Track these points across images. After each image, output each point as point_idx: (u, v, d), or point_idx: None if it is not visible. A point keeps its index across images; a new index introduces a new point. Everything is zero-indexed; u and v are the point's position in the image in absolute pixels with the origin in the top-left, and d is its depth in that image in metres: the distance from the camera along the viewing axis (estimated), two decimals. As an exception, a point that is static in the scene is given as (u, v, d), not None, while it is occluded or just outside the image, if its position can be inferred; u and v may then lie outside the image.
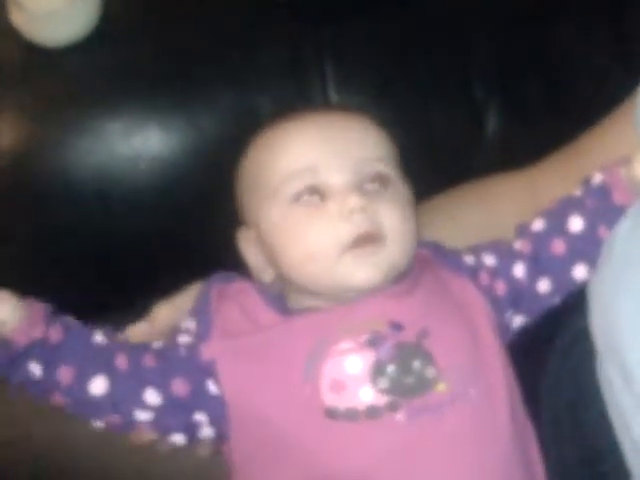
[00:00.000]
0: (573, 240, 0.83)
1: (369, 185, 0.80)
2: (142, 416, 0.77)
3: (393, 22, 1.29)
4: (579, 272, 0.83)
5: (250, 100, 1.23)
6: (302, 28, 1.27)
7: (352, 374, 0.75)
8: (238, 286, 0.82)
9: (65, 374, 0.76)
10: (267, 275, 0.83)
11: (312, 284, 0.80)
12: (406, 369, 0.75)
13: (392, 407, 0.74)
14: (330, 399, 0.74)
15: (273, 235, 0.81)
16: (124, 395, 0.77)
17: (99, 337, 0.78)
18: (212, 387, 0.77)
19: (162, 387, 0.78)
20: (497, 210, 0.96)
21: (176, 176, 1.21)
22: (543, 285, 0.84)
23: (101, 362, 0.78)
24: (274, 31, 1.27)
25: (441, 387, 0.75)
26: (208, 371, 0.77)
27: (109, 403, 0.77)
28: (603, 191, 0.82)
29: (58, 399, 0.77)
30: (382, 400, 0.74)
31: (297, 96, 1.24)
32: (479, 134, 1.28)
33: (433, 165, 1.23)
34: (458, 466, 0.75)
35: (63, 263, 1.21)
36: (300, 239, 0.79)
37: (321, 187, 0.80)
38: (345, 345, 0.76)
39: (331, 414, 0.74)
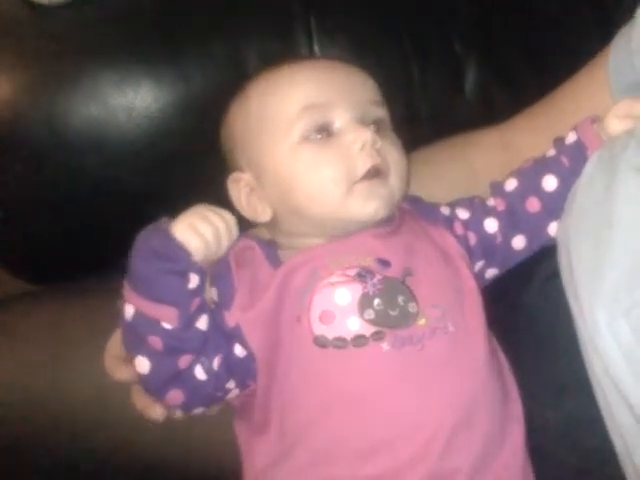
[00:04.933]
0: (548, 198, 0.86)
1: (371, 126, 0.84)
2: (182, 363, 0.80)
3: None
4: (554, 229, 0.87)
5: (238, 53, 1.24)
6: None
7: (341, 305, 0.79)
8: (243, 243, 0.85)
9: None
10: (264, 216, 0.86)
11: (320, 216, 0.82)
12: (391, 303, 0.79)
13: (378, 337, 0.78)
14: (319, 328, 0.78)
15: (283, 171, 0.83)
16: (190, 338, 0.80)
17: None
18: (239, 350, 0.81)
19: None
20: (472, 166, 1.00)
21: (166, 125, 1.23)
22: (518, 241, 0.88)
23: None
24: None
25: (422, 322, 0.79)
26: (234, 335, 0.81)
27: (173, 338, 0.79)
28: (578, 148, 0.85)
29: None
30: (369, 330, 0.78)
31: (283, 50, 1.26)
32: (459, 88, 1.29)
33: (413, 119, 1.26)
34: (438, 392, 0.79)
35: (56, 208, 1.24)
36: (313, 171, 0.82)
37: (329, 125, 0.82)
38: (335, 278, 0.80)
39: (320, 342, 0.78)
